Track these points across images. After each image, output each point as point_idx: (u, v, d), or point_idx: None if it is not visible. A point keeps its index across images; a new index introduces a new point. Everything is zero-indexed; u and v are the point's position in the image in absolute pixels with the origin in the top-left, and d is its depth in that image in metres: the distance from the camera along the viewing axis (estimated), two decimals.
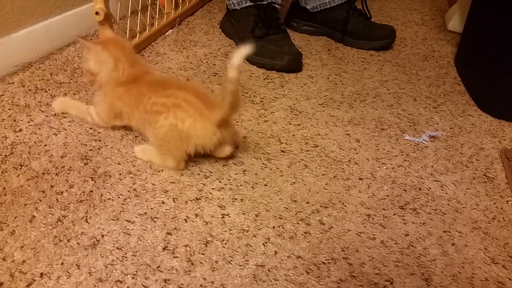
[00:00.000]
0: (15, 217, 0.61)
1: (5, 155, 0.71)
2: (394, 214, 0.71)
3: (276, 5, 1.24)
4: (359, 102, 1.03)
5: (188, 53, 1.15)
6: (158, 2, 1.26)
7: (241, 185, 0.73)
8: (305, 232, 0.66)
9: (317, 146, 0.86)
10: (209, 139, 0.71)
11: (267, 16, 1.20)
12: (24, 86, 0.89)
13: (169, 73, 1.04)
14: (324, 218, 0.68)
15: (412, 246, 0.66)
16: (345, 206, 0.71)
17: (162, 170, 0.74)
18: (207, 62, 1.12)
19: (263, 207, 0.70)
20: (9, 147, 0.73)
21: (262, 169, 0.78)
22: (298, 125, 0.92)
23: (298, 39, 1.34)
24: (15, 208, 0.62)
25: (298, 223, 0.67)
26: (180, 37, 1.23)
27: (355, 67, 1.19)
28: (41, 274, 0.54)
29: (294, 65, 1.14)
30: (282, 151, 0.83)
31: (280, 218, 0.68)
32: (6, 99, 0.84)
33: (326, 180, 0.76)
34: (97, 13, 0.93)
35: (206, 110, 0.70)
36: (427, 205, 0.74)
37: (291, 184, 0.75)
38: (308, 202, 0.71)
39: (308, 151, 0.84)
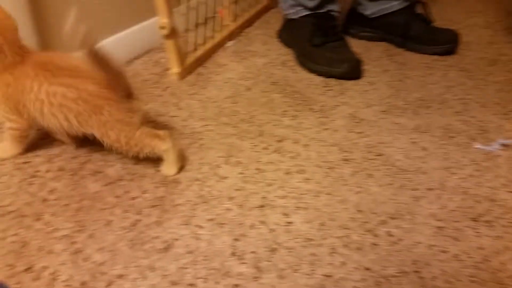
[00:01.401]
0: (93, 221, 0.65)
1: (83, 163, 0.76)
2: (467, 227, 0.68)
3: (334, 13, 1.24)
4: (424, 108, 1.00)
5: (248, 63, 1.18)
6: (217, 14, 1.30)
7: (304, 194, 0.74)
8: (373, 244, 0.64)
9: (381, 154, 0.84)
10: None
11: (325, 24, 1.20)
12: None
13: (230, 84, 1.07)
14: (392, 229, 0.67)
15: (487, 260, 0.63)
16: (414, 217, 0.69)
17: (227, 178, 0.76)
18: (266, 71, 1.14)
19: (328, 216, 0.69)
20: (86, 155, 0.78)
21: (324, 177, 0.78)
22: (360, 133, 0.91)
23: (356, 45, 1.32)
24: (93, 212, 0.67)
25: (365, 234, 0.66)
26: (239, 48, 1.25)
27: (418, 73, 1.16)
28: (119, 275, 0.57)
29: (353, 72, 1.13)
30: (345, 159, 0.83)
31: (345, 228, 0.67)
32: None
33: (393, 190, 0.75)
34: (162, 27, 0.97)
35: None
36: (502, 218, 0.70)
37: (355, 193, 0.74)
38: (374, 213, 0.70)
39: (372, 159, 0.83)
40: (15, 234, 0.62)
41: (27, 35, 0.84)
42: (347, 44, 1.21)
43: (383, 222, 0.68)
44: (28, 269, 0.57)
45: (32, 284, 0.56)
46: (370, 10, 1.33)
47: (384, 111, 0.99)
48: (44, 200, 0.68)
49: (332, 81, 1.11)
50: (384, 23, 1.33)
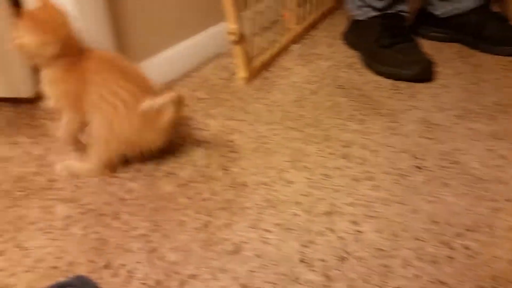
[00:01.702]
0: (167, 221, 0.68)
1: (157, 164, 0.80)
2: None
3: (404, 13, 1.20)
4: (502, 113, 0.94)
5: (313, 66, 1.17)
6: (282, 18, 1.30)
7: (373, 202, 0.72)
8: (448, 257, 0.62)
9: (456, 162, 0.80)
10: None
11: (394, 25, 1.17)
12: None
13: (295, 87, 1.07)
14: (469, 242, 0.64)
15: None
16: (493, 230, 0.66)
17: (293, 182, 0.76)
18: (331, 74, 1.13)
19: (399, 226, 0.67)
20: (159, 157, 0.81)
21: (395, 185, 0.76)
22: (433, 139, 0.87)
23: (427, 46, 1.27)
24: (167, 212, 0.69)
25: (439, 246, 0.64)
26: (304, 51, 1.25)
27: (495, 75, 1.10)
28: (191, 275, 0.59)
29: (424, 74, 1.09)
30: (417, 167, 0.80)
31: (419, 239, 0.65)
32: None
33: (469, 201, 0.71)
34: (231, 33, 0.99)
35: None
36: None
37: (428, 203, 0.72)
38: (449, 224, 0.67)
39: (446, 167, 0.79)
40: (96, 232, 0.66)
41: (103, 40, 0.90)
42: (418, 45, 1.16)
43: (459, 235, 0.65)
44: (107, 266, 0.61)
45: (111, 280, 0.59)
46: (441, 9, 1.27)
47: (458, 115, 0.94)
48: (122, 199, 0.72)
49: (402, 84, 1.08)
50: (457, 22, 1.27)
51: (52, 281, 0.58)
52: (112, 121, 0.72)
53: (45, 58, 0.71)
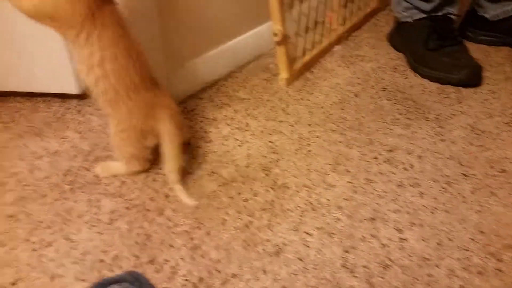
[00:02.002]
0: (210, 219, 0.69)
1: (200, 163, 0.81)
2: None
3: (452, 16, 1.16)
4: None
5: (355, 68, 1.15)
6: (326, 19, 1.29)
7: (419, 209, 0.70)
8: (496, 269, 0.60)
9: (505, 171, 0.77)
10: None
11: (442, 28, 1.14)
12: (212, 101, 1.00)
13: (337, 89, 1.06)
14: None
15: None
16: None
17: (335, 186, 0.75)
18: (375, 76, 1.11)
19: (445, 235, 0.66)
20: (202, 155, 0.83)
21: (441, 193, 0.74)
22: (481, 146, 0.84)
23: (475, 50, 1.23)
24: (209, 210, 0.70)
25: (487, 257, 0.61)
26: (347, 52, 1.23)
27: None
28: (233, 274, 0.60)
29: (473, 78, 1.05)
30: (464, 174, 0.78)
31: (465, 249, 0.63)
32: (197, 112, 0.96)
33: None
34: (275, 34, 0.99)
35: None
36: None
37: (476, 212, 0.69)
38: (498, 235, 0.65)
39: (494, 176, 0.76)
40: (140, 227, 0.68)
41: (151, 39, 0.92)
42: (466, 49, 1.13)
43: (508, 246, 0.63)
44: (151, 261, 0.62)
45: (155, 275, 0.60)
46: (491, 12, 1.23)
47: (508, 122, 0.91)
48: (166, 196, 0.73)
49: (449, 88, 1.05)
50: (507, 26, 1.22)
51: (98, 274, 0.60)
52: (116, 109, 0.71)
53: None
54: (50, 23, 0.67)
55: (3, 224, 0.68)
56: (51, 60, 0.95)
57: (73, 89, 0.98)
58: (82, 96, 1.00)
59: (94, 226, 0.68)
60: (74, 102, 1.00)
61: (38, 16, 0.66)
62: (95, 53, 0.66)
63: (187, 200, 0.70)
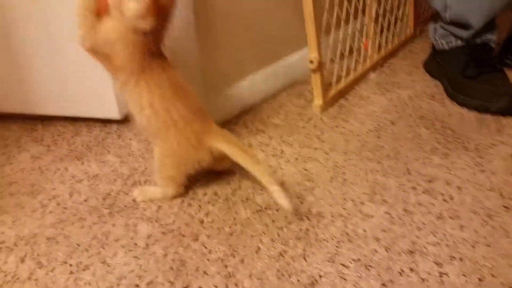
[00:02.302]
0: (244, 246, 0.69)
1: (235, 189, 0.81)
2: None
3: (491, 43, 1.14)
4: None
5: (392, 95, 1.14)
6: (361, 46, 1.29)
7: (459, 242, 0.68)
8: None
9: None
10: None
11: (481, 55, 1.12)
12: (247, 127, 1.01)
13: (373, 117, 1.05)
14: None
15: None
16: None
17: (372, 216, 0.74)
18: (412, 104, 1.09)
19: (487, 270, 0.63)
20: (237, 182, 0.83)
21: (482, 226, 0.71)
22: None
23: None
24: (243, 238, 0.70)
25: None
26: (382, 80, 1.23)
27: None
28: None
29: None
30: (505, 207, 0.75)
31: (510, 286, 0.60)
32: None
33: None
34: (311, 61, 1.00)
35: None
36: None
37: None
38: None
39: None
40: (176, 252, 0.68)
41: (193, 66, 0.94)
42: (505, 76, 1.10)
43: None
44: None
45: None
46: None
47: None
48: (201, 221, 0.74)
49: (488, 117, 1.02)
50: None
51: None
52: (165, 139, 0.75)
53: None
54: (107, 64, 0.73)
55: (43, 245, 0.70)
56: (94, 85, 0.99)
57: (114, 114, 1.01)
58: (123, 121, 1.03)
59: (131, 250, 0.69)
60: (114, 126, 1.03)
61: (97, 55, 0.72)
62: (144, 96, 0.72)
63: (285, 203, 0.71)
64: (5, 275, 0.65)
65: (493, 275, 0.62)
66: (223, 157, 0.77)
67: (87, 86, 0.99)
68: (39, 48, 0.97)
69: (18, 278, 0.64)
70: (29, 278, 0.64)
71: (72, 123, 1.07)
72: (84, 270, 0.66)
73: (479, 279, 0.61)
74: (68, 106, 1.04)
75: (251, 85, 1.10)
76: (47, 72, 1.00)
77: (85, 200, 0.80)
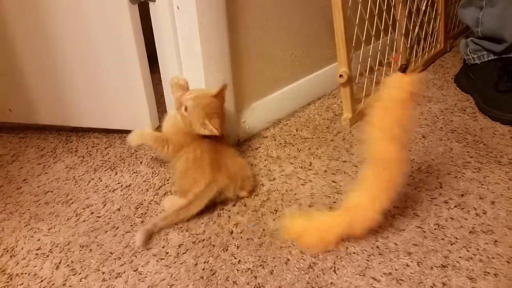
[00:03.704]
0: (273, 258, 0.69)
1: (263, 200, 0.82)
2: None
3: None
4: None
5: (423, 109, 1.13)
6: (391, 60, 1.29)
7: (493, 258, 0.66)
8: None
9: None
10: None
11: None
12: (275, 140, 1.02)
13: None
14: None
15: None
16: None
17: (403, 230, 0.73)
18: (443, 118, 1.08)
19: None
20: (265, 193, 0.84)
21: None
22: None
23: None
24: (273, 249, 0.70)
25: None
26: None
27: None
28: None
29: None
30: None
31: None
32: (262, 151, 0.98)
33: None
34: (341, 75, 1.01)
35: None
36: None
37: None
38: None
39: None
40: (206, 262, 0.69)
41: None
42: None
43: None
44: None
45: None
46: None
47: None
48: (231, 232, 0.75)
49: None
50: None
51: None
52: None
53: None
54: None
55: (77, 253, 0.72)
56: (128, 98, 1.02)
57: (147, 126, 1.04)
58: None
59: (162, 259, 0.70)
60: None
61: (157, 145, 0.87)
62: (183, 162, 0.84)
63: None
64: (41, 281, 0.67)
65: None
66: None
67: (121, 99, 1.03)
68: (77, 64, 1.02)
69: (53, 284, 0.66)
70: (64, 285, 0.66)
71: (106, 135, 1.10)
72: (116, 278, 0.67)
73: None
74: (102, 119, 1.07)
75: (280, 99, 1.11)
76: (82, 85, 1.04)
77: (118, 209, 0.82)
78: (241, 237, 0.73)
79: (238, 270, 0.67)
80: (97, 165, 0.98)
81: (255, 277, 0.65)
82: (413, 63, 1.32)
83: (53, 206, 0.85)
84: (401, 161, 0.68)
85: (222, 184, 0.79)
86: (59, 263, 0.70)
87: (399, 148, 0.67)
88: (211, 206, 0.80)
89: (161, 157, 0.96)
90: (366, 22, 1.12)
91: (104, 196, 0.87)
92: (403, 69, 0.68)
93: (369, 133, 0.68)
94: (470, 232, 0.72)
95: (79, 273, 0.68)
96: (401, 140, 0.67)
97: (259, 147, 0.99)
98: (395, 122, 0.67)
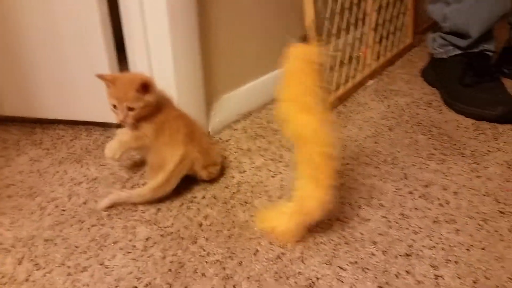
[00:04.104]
0: (242, 249, 0.69)
1: (233, 193, 0.82)
2: None
3: (489, 53, 1.16)
4: None
5: (389, 102, 1.15)
6: (361, 54, 1.31)
7: (454, 246, 0.68)
8: None
9: None
10: None
11: (478, 64, 1.13)
12: (246, 132, 1.02)
13: (371, 123, 1.06)
14: None
15: None
16: None
17: (369, 220, 0.74)
18: (409, 111, 1.10)
19: (482, 273, 0.63)
20: (236, 185, 0.84)
21: (477, 230, 0.71)
22: None
23: (510, 87, 1.21)
24: (242, 240, 0.71)
25: None
26: (380, 87, 1.24)
27: None
28: None
29: (509, 115, 1.04)
30: (501, 212, 0.75)
31: None
32: (232, 143, 0.98)
33: None
34: None
35: None
36: None
37: None
38: None
39: None
40: (174, 255, 0.68)
41: (194, 75, 0.95)
42: (503, 85, 1.11)
43: None
44: None
45: None
46: None
47: None
48: (200, 224, 0.74)
49: (484, 124, 1.03)
50: None
51: None
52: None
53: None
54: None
55: (41, 247, 0.70)
56: (93, 89, 1.00)
57: (113, 118, 1.02)
58: (122, 125, 1.03)
59: (129, 252, 0.69)
60: (114, 130, 1.04)
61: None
62: None
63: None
64: (2, 277, 0.65)
65: (487, 278, 0.62)
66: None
67: (87, 91, 1.00)
68: (40, 53, 0.98)
69: (15, 280, 0.64)
70: (27, 280, 0.64)
71: (72, 126, 1.07)
72: (82, 272, 0.66)
73: (474, 282, 0.62)
74: (68, 110, 1.05)
75: (251, 92, 1.11)
76: (47, 76, 1.01)
77: (84, 203, 0.81)
78: (211, 230, 0.73)
79: (206, 262, 0.67)
80: (63, 157, 0.95)
81: (224, 269, 0.65)
82: (380, 55, 1.35)
83: (16, 200, 0.82)
84: (322, 133, 0.64)
85: (193, 156, 0.79)
86: (22, 258, 0.68)
87: (315, 119, 0.63)
88: (181, 198, 0.80)
89: (143, 154, 0.89)
90: (337, 16, 1.13)
91: (70, 189, 0.85)
92: (304, 39, 0.65)
93: (282, 109, 0.65)
94: (434, 221, 0.74)
95: (43, 268, 0.66)
96: (316, 110, 0.63)
97: (230, 140, 0.99)
98: (305, 92, 0.63)
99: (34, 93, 1.03)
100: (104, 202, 0.77)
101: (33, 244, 0.71)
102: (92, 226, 0.75)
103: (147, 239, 0.72)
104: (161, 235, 0.72)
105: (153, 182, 0.78)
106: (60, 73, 1.00)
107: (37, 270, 0.66)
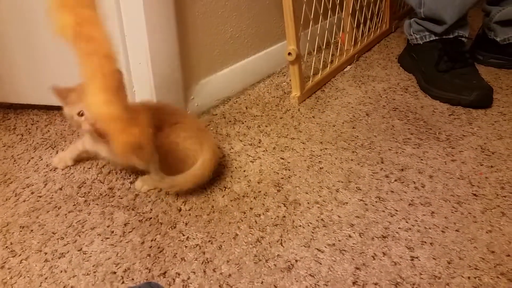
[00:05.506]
0: (222, 233, 0.69)
1: (213, 178, 0.82)
2: None
3: (463, 39, 1.18)
4: None
5: (367, 88, 1.17)
6: (338, 39, 1.31)
7: (429, 228, 0.70)
8: None
9: None
10: None
11: (453, 50, 1.15)
12: (225, 118, 1.01)
13: (349, 108, 1.07)
14: None
15: None
16: None
17: (346, 203, 0.75)
18: (386, 97, 1.12)
19: (456, 254, 0.65)
20: (215, 171, 0.83)
21: (452, 212, 0.74)
22: (491, 167, 0.84)
23: (485, 73, 1.24)
24: (221, 225, 0.71)
25: (498, 277, 0.61)
26: (358, 73, 1.25)
27: None
28: None
29: (483, 100, 1.06)
30: (474, 194, 0.78)
31: (476, 268, 0.63)
32: (211, 128, 0.97)
33: None
34: (289, 53, 1.01)
35: None
36: None
37: (486, 232, 0.69)
38: (508, 255, 0.64)
39: (505, 196, 0.76)
40: (153, 240, 0.68)
41: (171, 60, 0.94)
42: (477, 71, 1.14)
43: None
44: (163, 274, 0.63)
45: None
46: (502, 35, 1.24)
47: None
48: (179, 210, 0.74)
49: (459, 109, 1.05)
50: None
51: (110, 286, 0.61)
52: None
53: None
54: None
55: (17, 234, 0.69)
56: (68, 74, 0.97)
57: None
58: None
59: (107, 238, 0.69)
60: None
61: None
62: None
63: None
64: None
65: (460, 258, 0.64)
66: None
67: (61, 74, 0.98)
68: (12, 37, 0.95)
69: None
70: (2, 267, 0.63)
71: (46, 112, 1.05)
72: (59, 258, 0.65)
73: (448, 262, 0.64)
74: (42, 95, 1.02)
75: (229, 77, 1.10)
76: (20, 61, 0.98)
77: (60, 189, 0.79)
78: (190, 214, 0.73)
79: (186, 246, 0.67)
80: (37, 143, 0.93)
81: (204, 253, 0.66)
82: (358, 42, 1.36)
83: None
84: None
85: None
86: None
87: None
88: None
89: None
90: (314, 0, 1.13)
91: (45, 175, 0.83)
92: None
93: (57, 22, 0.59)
94: (409, 204, 0.75)
95: (19, 255, 0.65)
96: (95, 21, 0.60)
97: (209, 125, 0.99)
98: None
99: (7, 78, 1.00)
100: (148, 185, 0.79)
101: (8, 231, 0.70)
102: (69, 212, 0.74)
103: (125, 225, 0.71)
104: (140, 221, 0.72)
105: (193, 169, 0.76)
106: (34, 57, 0.97)
107: (13, 257, 0.65)
